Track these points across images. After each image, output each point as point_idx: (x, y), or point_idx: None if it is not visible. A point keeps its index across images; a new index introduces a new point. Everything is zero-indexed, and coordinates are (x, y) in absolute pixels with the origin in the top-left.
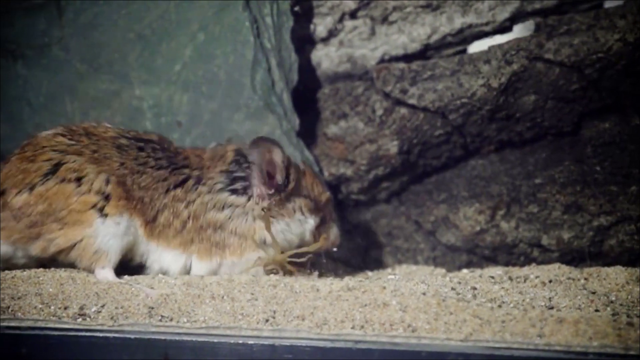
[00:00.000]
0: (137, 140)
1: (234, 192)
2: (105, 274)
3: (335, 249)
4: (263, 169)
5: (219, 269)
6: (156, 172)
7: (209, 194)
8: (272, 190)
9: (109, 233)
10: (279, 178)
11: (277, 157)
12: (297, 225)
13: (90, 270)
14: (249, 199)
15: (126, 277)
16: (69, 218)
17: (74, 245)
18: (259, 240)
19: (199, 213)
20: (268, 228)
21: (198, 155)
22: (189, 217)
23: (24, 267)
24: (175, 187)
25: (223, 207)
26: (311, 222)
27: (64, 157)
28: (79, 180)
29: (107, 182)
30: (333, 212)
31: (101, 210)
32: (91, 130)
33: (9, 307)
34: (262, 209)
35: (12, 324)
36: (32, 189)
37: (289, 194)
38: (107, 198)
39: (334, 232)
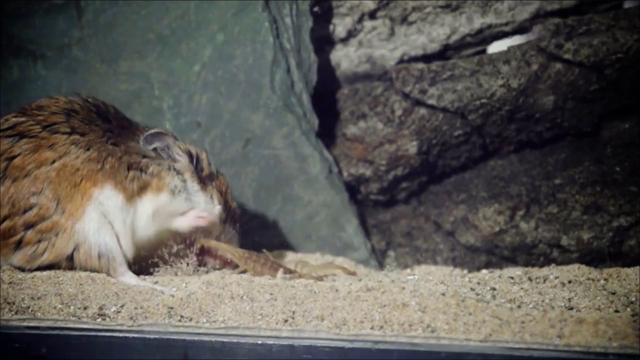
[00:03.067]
0: (90, 104)
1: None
2: (124, 279)
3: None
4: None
5: (136, 209)
6: (102, 125)
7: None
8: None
9: (95, 232)
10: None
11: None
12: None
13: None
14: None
15: (147, 278)
16: (42, 226)
17: (71, 256)
18: (172, 187)
19: (130, 152)
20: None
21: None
22: (124, 154)
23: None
24: (116, 136)
25: (144, 156)
26: (219, 208)
27: (14, 147)
28: (25, 177)
29: (47, 179)
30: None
31: (66, 217)
32: (43, 103)
33: (28, 307)
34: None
35: (32, 323)
36: None
37: (204, 178)
38: (59, 202)
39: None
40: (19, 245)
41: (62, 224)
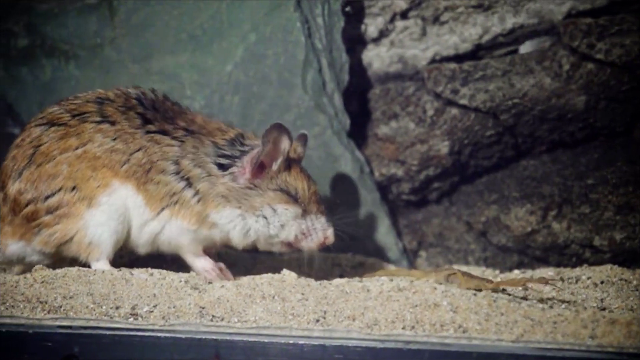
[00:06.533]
0: (132, 93)
1: (216, 164)
2: (97, 265)
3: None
4: (267, 150)
5: (164, 227)
6: (139, 117)
7: (193, 148)
8: (254, 177)
9: (98, 225)
10: (275, 166)
11: (285, 144)
12: (262, 221)
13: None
14: (224, 174)
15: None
16: (61, 210)
17: (72, 238)
18: (211, 219)
19: (172, 157)
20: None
21: (199, 120)
22: (161, 159)
23: (38, 264)
24: (158, 132)
25: (199, 166)
26: (286, 215)
27: (43, 136)
28: (49, 161)
29: (67, 164)
30: (320, 205)
31: (83, 201)
32: (79, 95)
33: (61, 307)
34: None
35: (65, 323)
36: (20, 174)
37: (267, 183)
38: (74, 183)
39: (320, 224)
40: (40, 228)
41: (75, 209)
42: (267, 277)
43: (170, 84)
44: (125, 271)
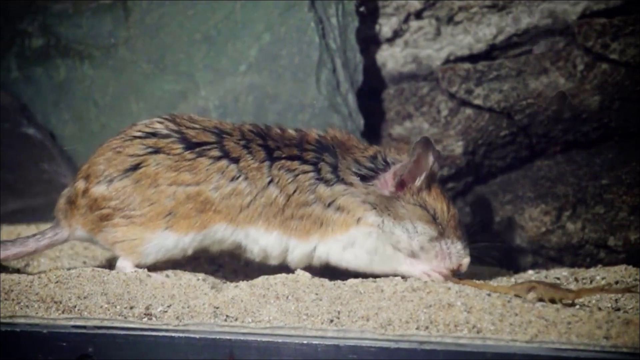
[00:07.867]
0: (247, 127)
1: (358, 175)
2: (121, 263)
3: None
4: (412, 165)
5: (319, 248)
6: (262, 148)
7: (330, 167)
8: (397, 191)
9: (160, 244)
10: (418, 182)
11: (431, 161)
12: (406, 234)
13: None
14: (368, 185)
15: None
16: (137, 219)
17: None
18: (368, 221)
19: (309, 186)
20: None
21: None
22: (295, 190)
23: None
24: (288, 159)
25: (340, 183)
26: (425, 234)
27: (148, 156)
28: (152, 186)
29: (173, 198)
30: (458, 230)
31: (167, 223)
32: (196, 118)
33: (75, 307)
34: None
35: (79, 323)
36: (110, 181)
37: (408, 197)
38: (170, 214)
39: (456, 250)
40: (107, 226)
41: (153, 224)
42: (281, 277)
43: (184, 84)
44: (141, 272)
